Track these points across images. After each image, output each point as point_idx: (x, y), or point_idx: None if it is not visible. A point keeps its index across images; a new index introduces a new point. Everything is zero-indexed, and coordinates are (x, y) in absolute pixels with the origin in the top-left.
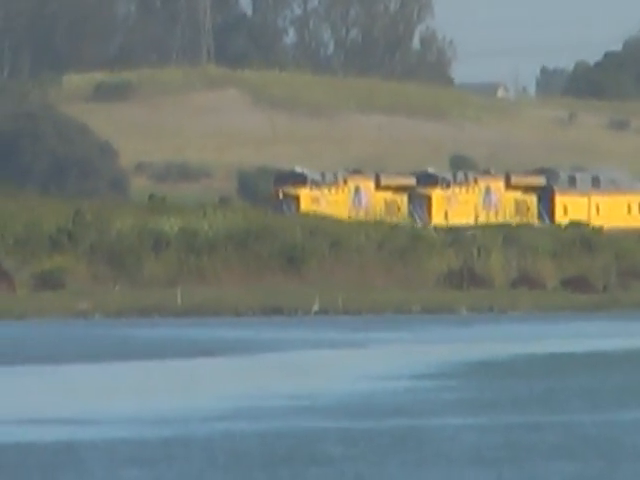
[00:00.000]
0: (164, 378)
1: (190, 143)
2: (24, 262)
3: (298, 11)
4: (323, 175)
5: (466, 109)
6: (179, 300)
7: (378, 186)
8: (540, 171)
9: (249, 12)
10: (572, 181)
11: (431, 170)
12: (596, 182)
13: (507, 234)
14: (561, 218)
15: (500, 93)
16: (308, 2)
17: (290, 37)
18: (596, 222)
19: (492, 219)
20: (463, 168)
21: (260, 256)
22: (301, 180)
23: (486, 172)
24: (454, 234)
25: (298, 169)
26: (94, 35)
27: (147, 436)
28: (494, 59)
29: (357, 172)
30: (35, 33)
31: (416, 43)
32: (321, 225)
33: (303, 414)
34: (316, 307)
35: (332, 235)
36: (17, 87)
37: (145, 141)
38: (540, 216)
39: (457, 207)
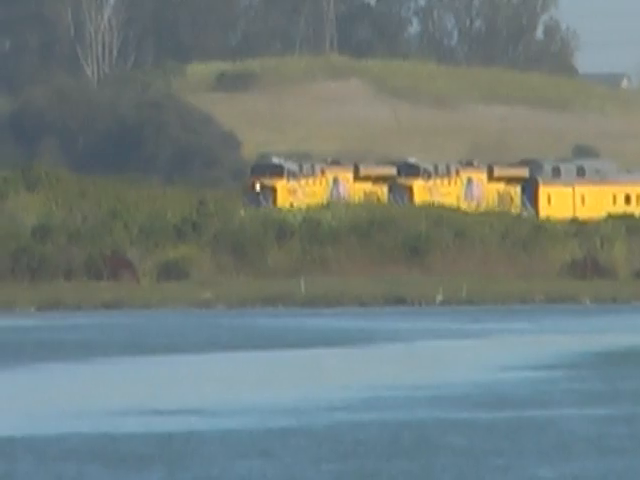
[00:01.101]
0: (287, 368)
1: (312, 133)
2: (148, 252)
3: (422, 1)
4: (301, 166)
5: (589, 100)
6: (303, 290)
7: (357, 177)
8: (524, 162)
9: (373, 1)
10: (556, 172)
11: (412, 160)
12: (581, 172)
13: (631, 225)
14: (545, 209)
15: (624, 84)
16: None
17: (414, 27)
18: (581, 213)
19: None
20: (586, 158)
21: (383, 246)
22: (278, 171)
23: (469, 164)
24: (578, 225)
25: (275, 160)
26: (217, 24)
27: (269, 426)
28: (618, 49)
29: (335, 163)
30: (159, 23)
31: (539, 33)
32: (445, 215)
33: (426, 404)
34: (440, 297)
35: (456, 225)
36: (141, 77)
37: (267, 131)
38: (524, 207)
39: (438, 198)
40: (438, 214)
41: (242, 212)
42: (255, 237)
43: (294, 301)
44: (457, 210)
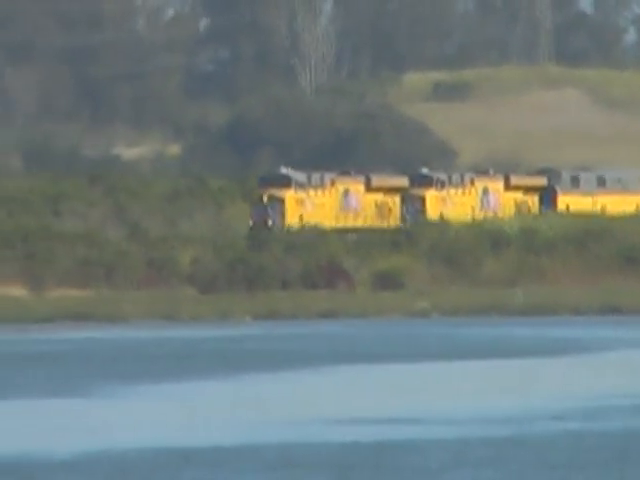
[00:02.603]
0: (501, 377)
1: (528, 143)
2: (363, 262)
3: (638, 10)
4: (309, 177)
5: None
6: (520, 299)
7: (368, 188)
8: (542, 171)
9: (590, 11)
10: (575, 181)
11: (425, 171)
12: (601, 182)
13: None
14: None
15: None
16: None
17: (631, 36)
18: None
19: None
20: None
21: (599, 256)
22: (286, 182)
23: (484, 172)
24: None
25: (283, 170)
26: (434, 34)
27: (484, 435)
28: None
29: (345, 173)
30: (375, 33)
31: None
32: None
33: None
34: None
35: None
36: (356, 87)
37: (482, 141)
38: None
39: (453, 208)
40: None
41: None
42: (470, 247)
43: (508, 311)
44: None
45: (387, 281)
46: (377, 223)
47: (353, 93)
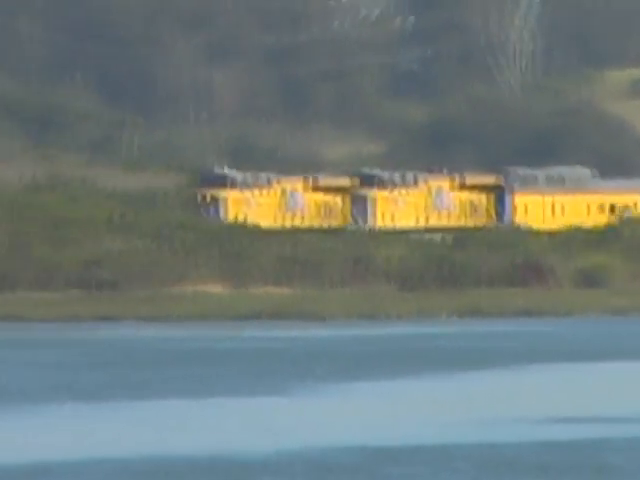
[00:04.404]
0: None
1: None
2: (565, 260)
3: None
4: (252, 176)
5: None
6: None
7: (312, 188)
8: (496, 169)
9: None
10: (531, 180)
11: (375, 171)
12: (558, 181)
13: None
14: (519, 219)
15: None
16: None
17: None
18: (557, 223)
19: (443, 221)
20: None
21: None
22: (225, 182)
23: (437, 172)
24: None
25: (223, 170)
26: (635, 31)
27: None
28: None
29: (290, 173)
30: (574, 30)
31: None
32: None
33: None
34: None
35: None
36: (556, 84)
37: None
38: (497, 217)
39: (403, 208)
40: None
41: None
42: None
43: None
44: None
45: (588, 279)
46: (321, 223)
47: (553, 91)
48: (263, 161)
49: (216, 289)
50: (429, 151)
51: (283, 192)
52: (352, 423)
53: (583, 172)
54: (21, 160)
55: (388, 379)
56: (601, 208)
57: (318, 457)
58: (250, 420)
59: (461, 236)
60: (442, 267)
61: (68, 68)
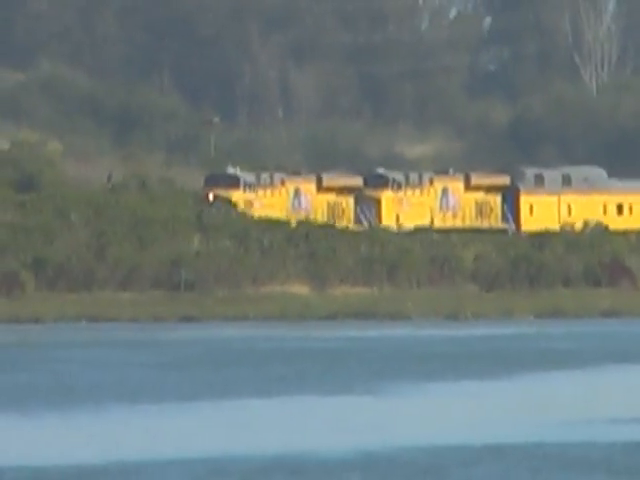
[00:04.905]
0: None
1: None
2: None
3: None
4: (258, 177)
5: None
6: None
7: (320, 188)
8: (504, 170)
9: None
10: (539, 180)
11: (381, 171)
12: (567, 181)
13: None
14: (527, 220)
15: None
16: None
17: None
18: (568, 223)
19: (450, 222)
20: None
21: None
22: (233, 182)
23: (444, 172)
24: None
25: (231, 170)
26: None
27: None
28: None
29: (296, 173)
30: None
31: None
32: None
33: None
34: None
35: None
36: (639, 83)
37: None
38: (505, 218)
39: (410, 209)
40: None
41: None
42: None
43: None
44: None
45: None
46: (329, 223)
47: (638, 90)
48: (343, 160)
49: (301, 290)
50: (511, 151)
51: (291, 192)
52: (433, 423)
53: (596, 172)
54: (104, 160)
55: (468, 379)
56: (619, 208)
57: (401, 456)
58: (333, 419)
59: (546, 235)
60: (521, 267)
61: (149, 67)
